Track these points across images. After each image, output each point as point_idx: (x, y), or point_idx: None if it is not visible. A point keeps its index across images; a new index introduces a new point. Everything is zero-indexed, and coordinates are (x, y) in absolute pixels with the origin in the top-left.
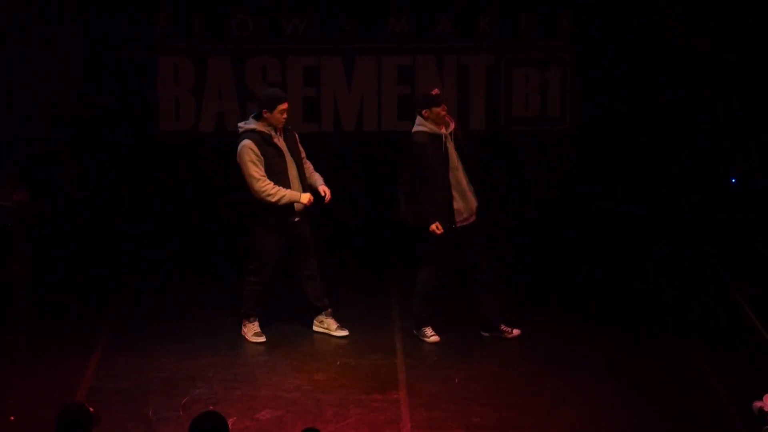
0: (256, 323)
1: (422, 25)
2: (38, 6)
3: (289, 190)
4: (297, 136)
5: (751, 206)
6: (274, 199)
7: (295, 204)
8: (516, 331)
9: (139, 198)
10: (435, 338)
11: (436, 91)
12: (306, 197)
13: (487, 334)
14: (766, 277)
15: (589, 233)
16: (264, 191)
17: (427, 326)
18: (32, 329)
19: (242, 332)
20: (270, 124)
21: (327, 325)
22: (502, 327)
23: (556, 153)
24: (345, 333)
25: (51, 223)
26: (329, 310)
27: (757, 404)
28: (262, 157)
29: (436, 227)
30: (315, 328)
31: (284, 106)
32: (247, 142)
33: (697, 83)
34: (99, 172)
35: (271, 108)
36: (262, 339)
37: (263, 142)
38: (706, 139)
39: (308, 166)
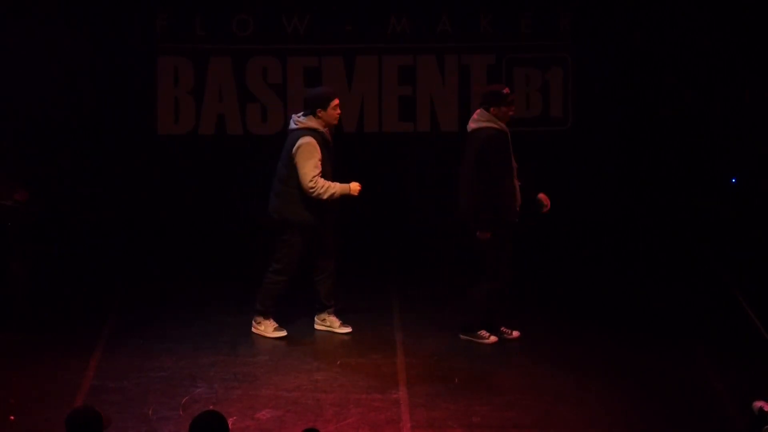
0: (272, 319)
1: (423, 24)
2: (37, 6)
3: (339, 184)
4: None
5: (752, 205)
6: (325, 196)
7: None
8: (515, 333)
9: (138, 201)
10: (494, 338)
11: (506, 90)
12: (355, 187)
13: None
14: (766, 276)
15: (590, 233)
16: (316, 188)
17: (482, 329)
18: (32, 329)
19: (256, 329)
20: (326, 124)
21: (330, 323)
22: (503, 329)
23: (558, 153)
24: (348, 330)
25: (51, 223)
26: (332, 308)
27: (757, 404)
28: (322, 160)
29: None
30: (317, 327)
31: (336, 101)
32: (312, 140)
33: (697, 83)
34: (97, 174)
35: (325, 106)
36: (284, 333)
37: (323, 143)
38: (706, 138)
39: None
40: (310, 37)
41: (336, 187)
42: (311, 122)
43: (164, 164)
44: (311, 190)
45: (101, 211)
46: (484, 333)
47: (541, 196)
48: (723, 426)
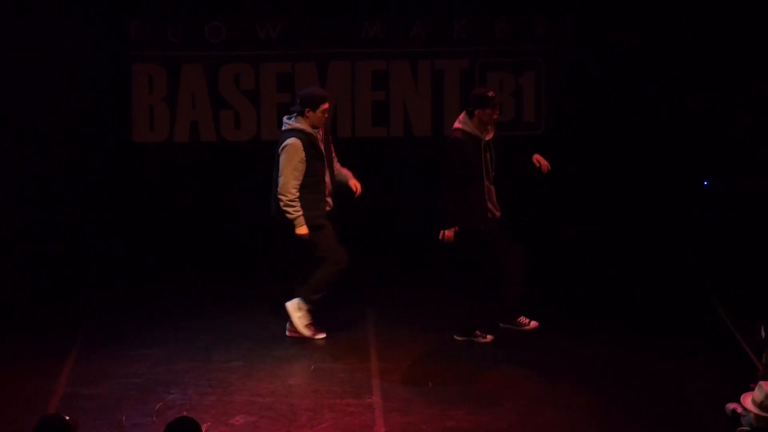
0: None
1: (396, 30)
2: (10, 14)
3: (301, 215)
4: (331, 137)
5: (727, 208)
6: (287, 209)
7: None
8: (489, 337)
9: (113, 208)
10: (534, 323)
11: (491, 93)
12: (302, 231)
13: (461, 339)
14: (741, 280)
15: (563, 237)
16: (286, 197)
17: (520, 316)
18: (6, 334)
19: (292, 313)
20: (312, 125)
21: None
22: (477, 332)
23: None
24: (323, 335)
25: (24, 229)
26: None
27: (730, 406)
28: (305, 161)
29: (453, 233)
30: (289, 334)
31: (326, 105)
32: (296, 142)
33: (671, 86)
34: (72, 182)
35: (314, 107)
36: (324, 335)
37: (309, 144)
38: (681, 141)
39: (337, 165)
40: (283, 44)
41: (299, 215)
42: (298, 123)
43: (139, 173)
44: (280, 196)
45: (76, 221)
46: (524, 319)
47: (535, 157)
48: (697, 428)
